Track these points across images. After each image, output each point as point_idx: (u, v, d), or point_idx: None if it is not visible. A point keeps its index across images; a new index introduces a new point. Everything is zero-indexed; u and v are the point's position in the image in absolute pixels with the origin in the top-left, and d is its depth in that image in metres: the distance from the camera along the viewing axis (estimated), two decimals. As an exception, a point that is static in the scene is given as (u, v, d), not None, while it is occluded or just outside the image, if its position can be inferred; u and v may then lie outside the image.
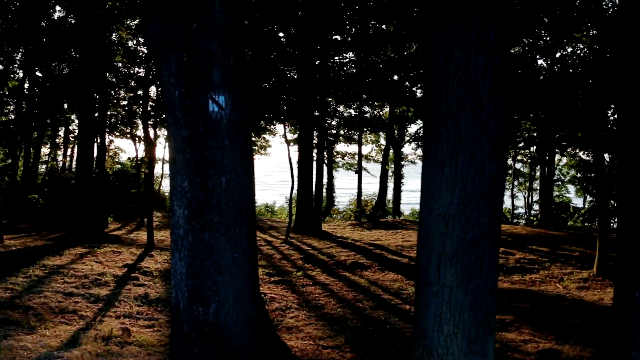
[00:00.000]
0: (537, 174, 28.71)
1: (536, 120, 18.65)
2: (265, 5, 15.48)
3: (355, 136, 27.40)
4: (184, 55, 3.42)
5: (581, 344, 5.98)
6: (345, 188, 39.69)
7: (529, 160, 28.35)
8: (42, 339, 5.02)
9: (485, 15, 3.57)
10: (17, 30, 17.99)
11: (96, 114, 15.89)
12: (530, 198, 29.91)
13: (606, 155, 16.47)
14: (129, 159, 30.43)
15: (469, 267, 3.78)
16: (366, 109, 25.43)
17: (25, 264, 8.94)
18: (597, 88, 12.67)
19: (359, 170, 27.66)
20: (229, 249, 3.54)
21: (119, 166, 30.54)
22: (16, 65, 22.94)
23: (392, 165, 29.23)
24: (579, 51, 18.63)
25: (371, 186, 35.11)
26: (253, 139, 12.06)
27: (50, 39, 18.65)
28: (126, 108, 24.37)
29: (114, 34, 20.42)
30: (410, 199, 39.60)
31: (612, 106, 14.79)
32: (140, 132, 25.15)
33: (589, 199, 25.49)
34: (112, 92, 21.50)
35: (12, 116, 24.28)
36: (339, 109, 24.59)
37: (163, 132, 28.43)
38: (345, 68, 20.80)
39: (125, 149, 71.06)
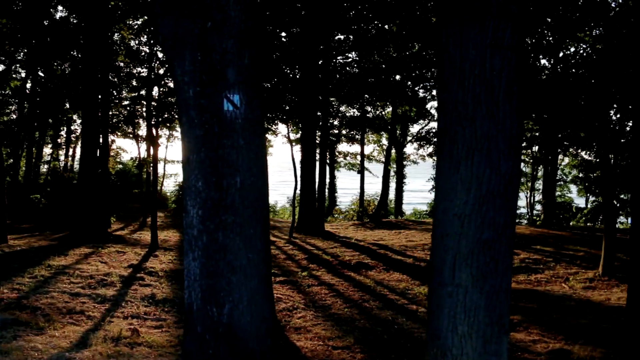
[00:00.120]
0: (539, 173, 28.71)
1: (539, 120, 18.63)
2: (267, 5, 15.46)
3: (357, 136, 27.39)
4: (198, 54, 3.40)
5: (591, 344, 5.96)
6: (346, 188, 39.66)
7: (530, 160, 28.34)
8: (52, 339, 5.00)
9: (502, 14, 3.55)
10: (20, 30, 17.96)
11: (99, 114, 15.86)
12: (532, 198, 29.89)
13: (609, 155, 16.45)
14: (131, 159, 30.42)
15: (484, 267, 3.76)
16: (368, 108, 25.42)
17: (31, 264, 8.92)
18: (601, 88, 12.65)
19: (361, 171, 27.64)
20: (244, 249, 3.51)
21: (120, 166, 30.53)
22: (18, 65, 22.92)
23: (394, 165, 29.21)
24: (581, 51, 18.62)
25: (372, 186, 35.11)
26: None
27: (52, 38, 18.63)
28: (127, 108, 24.37)
29: (115, 34, 20.38)
30: (412, 199, 39.59)
31: (615, 106, 14.76)
32: (142, 132, 25.16)
33: (591, 198, 25.46)
34: (113, 92, 21.48)
35: (14, 116, 24.27)
36: (341, 108, 24.59)
37: (165, 132, 28.48)
38: (347, 68, 20.79)
39: (127, 148, 71.11)
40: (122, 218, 20.35)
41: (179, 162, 31.12)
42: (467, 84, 3.64)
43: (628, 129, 18.32)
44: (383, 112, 26.72)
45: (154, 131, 15.46)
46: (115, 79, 21.41)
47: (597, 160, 21.80)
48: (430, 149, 25.59)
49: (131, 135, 25.92)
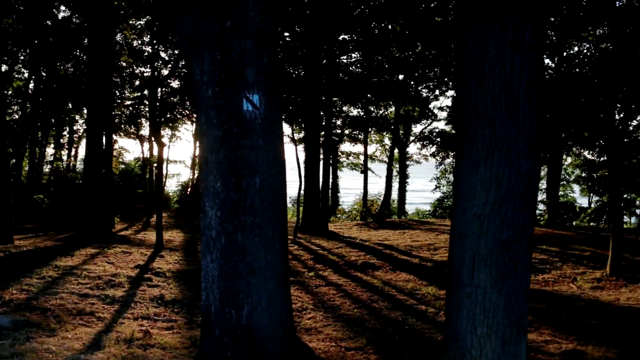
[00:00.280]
0: (542, 173, 28.67)
1: (542, 120, 18.59)
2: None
3: (360, 136, 27.37)
4: (217, 53, 3.37)
5: (604, 345, 5.93)
6: (348, 188, 39.66)
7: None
8: (65, 341, 4.98)
9: (522, 13, 3.53)
10: (23, 30, 17.94)
11: (104, 114, 15.84)
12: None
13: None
14: (135, 159, 30.41)
15: (504, 268, 3.74)
16: (372, 108, 25.42)
17: (38, 264, 8.90)
18: (605, 87, 12.62)
19: (364, 170, 27.62)
20: (262, 251, 3.49)
21: (122, 166, 30.52)
22: (20, 65, 22.91)
23: (397, 165, 29.20)
24: (585, 50, 18.59)
25: (374, 186, 35.09)
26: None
27: (55, 38, 18.61)
28: (130, 108, 24.36)
29: (118, 35, 20.37)
30: (414, 198, 39.58)
31: (619, 105, 14.73)
32: (145, 132, 25.14)
33: (595, 198, 25.45)
34: (116, 92, 21.47)
35: (16, 116, 24.25)
36: (344, 108, 24.58)
37: (167, 132, 28.47)
38: (351, 68, 20.77)
39: (129, 148, 71.17)
40: (126, 218, 20.34)
41: (181, 162, 31.15)
42: (486, 83, 3.62)
43: (631, 128, 18.31)
44: (386, 112, 26.71)
45: (156, 132, 15.44)
46: (118, 79, 21.41)
47: (600, 159, 21.81)
48: (433, 149, 25.58)
49: (134, 135, 25.90)
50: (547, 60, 20.56)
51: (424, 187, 39.09)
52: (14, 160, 22.24)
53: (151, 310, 6.83)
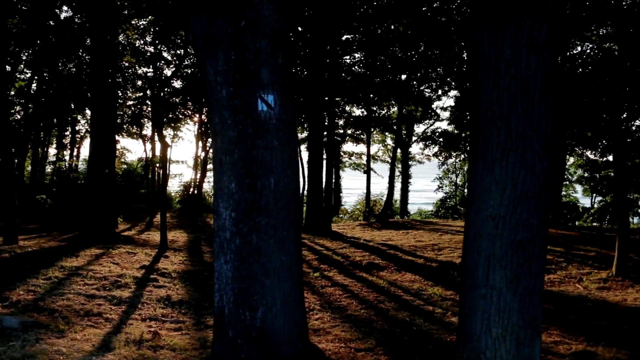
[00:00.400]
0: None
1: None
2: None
3: (362, 136, 27.35)
4: (232, 53, 3.34)
5: (614, 346, 5.91)
6: (350, 188, 39.66)
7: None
8: (74, 343, 4.96)
9: (538, 13, 3.51)
10: (25, 30, 17.92)
11: (107, 114, 15.81)
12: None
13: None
14: (139, 159, 30.41)
15: (518, 269, 3.73)
16: (374, 108, 25.40)
17: (43, 265, 8.89)
18: (609, 87, 12.60)
19: (367, 171, 27.60)
20: (277, 252, 3.46)
21: (124, 166, 30.50)
22: (23, 66, 22.90)
23: (399, 165, 29.19)
24: (588, 50, 18.57)
25: (376, 186, 35.13)
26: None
27: (57, 39, 18.59)
28: (132, 108, 24.34)
29: (121, 35, 20.36)
30: (416, 199, 39.55)
31: (625, 105, 14.71)
32: (147, 132, 25.11)
33: (597, 198, 25.42)
34: (119, 92, 21.46)
35: (18, 116, 24.24)
36: (347, 108, 24.56)
37: (169, 132, 28.46)
38: (354, 68, 20.75)
39: (131, 148, 71.10)
40: (129, 218, 20.32)
41: (183, 162, 31.14)
42: (502, 83, 3.60)
43: (634, 128, 18.28)
44: (389, 112, 26.70)
45: (161, 132, 15.43)
46: (120, 79, 21.39)
47: (603, 159, 21.78)
48: (436, 149, 25.57)
49: (136, 136, 25.88)
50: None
51: (426, 187, 39.07)
52: (17, 160, 22.24)
53: (159, 311, 6.81)
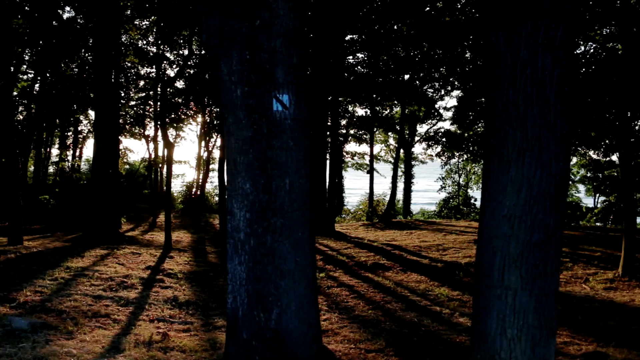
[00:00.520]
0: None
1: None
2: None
3: (365, 136, 27.32)
4: (247, 53, 3.31)
5: (625, 347, 5.89)
6: (352, 188, 39.62)
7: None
8: (84, 344, 4.94)
9: (554, 13, 3.48)
10: (29, 31, 17.91)
11: (111, 114, 15.80)
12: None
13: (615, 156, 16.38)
14: (142, 159, 30.39)
15: (534, 270, 3.70)
16: (377, 108, 25.37)
17: (49, 265, 8.87)
18: (612, 87, 12.55)
19: (370, 171, 27.57)
20: (292, 253, 3.44)
21: (127, 167, 30.50)
22: (25, 66, 22.90)
23: (402, 165, 29.15)
24: (592, 50, 18.51)
25: (379, 186, 35.04)
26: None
27: (60, 39, 18.58)
28: (135, 108, 24.33)
29: (124, 35, 20.35)
30: (419, 199, 39.52)
31: (629, 104, 14.65)
32: (150, 132, 25.11)
33: (601, 198, 25.38)
34: (122, 92, 21.45)
35: (21, 117, 24.24)
36: (349, 108, 24.55)
37: (171, 132, 28.41)
38: (357, 68, 20.73)
39: (133, 149, 71.15)
40: (132, 219, 20.31)
41: (185, 162, 31.15)
42: (518, 83, 3.57)
43: (637, 128, 18.21)
44: (392, 112, 26.67)
45: (165, 132, 15.41)
46: (122, 80, 21.38)
47: (606, 160, 21.72)
48: (439, 149, 25.51)
49: (139, 136, 25.88)
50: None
51: (428, 187, 39.03)
52: (20, 160, 22.23)
53: (166, 312, 6.79)
